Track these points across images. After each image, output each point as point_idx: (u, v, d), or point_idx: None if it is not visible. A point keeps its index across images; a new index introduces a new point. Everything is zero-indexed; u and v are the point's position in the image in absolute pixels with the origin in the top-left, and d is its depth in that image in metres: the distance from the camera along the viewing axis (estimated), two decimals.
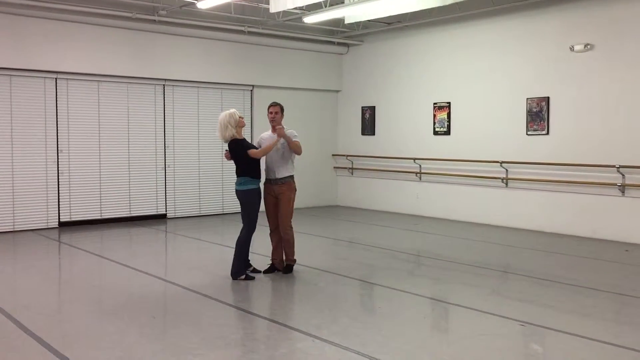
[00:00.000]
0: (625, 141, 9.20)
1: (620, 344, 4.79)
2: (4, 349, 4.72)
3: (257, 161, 6.86)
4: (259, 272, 7.06)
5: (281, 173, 6.98)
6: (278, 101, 7.19)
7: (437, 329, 5.48)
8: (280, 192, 6.98)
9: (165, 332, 5.14)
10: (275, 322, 5.39)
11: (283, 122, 7.09)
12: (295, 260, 7.22)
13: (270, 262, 7.24)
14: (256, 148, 6.93)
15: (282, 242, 7.10)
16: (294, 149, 6.97)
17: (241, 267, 6.81)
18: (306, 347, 4.71)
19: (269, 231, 7.20)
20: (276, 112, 7.02)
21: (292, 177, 7.09)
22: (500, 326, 5.29)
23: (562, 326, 5.21)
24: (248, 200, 6.77)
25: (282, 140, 6.95)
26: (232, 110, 6.83)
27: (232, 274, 6.80)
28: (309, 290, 6.56)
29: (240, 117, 6.77)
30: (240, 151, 6.76)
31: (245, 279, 6.78)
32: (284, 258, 7.17)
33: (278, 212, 7.04)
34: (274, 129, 7.01)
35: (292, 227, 7.10)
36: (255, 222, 6.84)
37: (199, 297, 6.13)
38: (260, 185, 6.94)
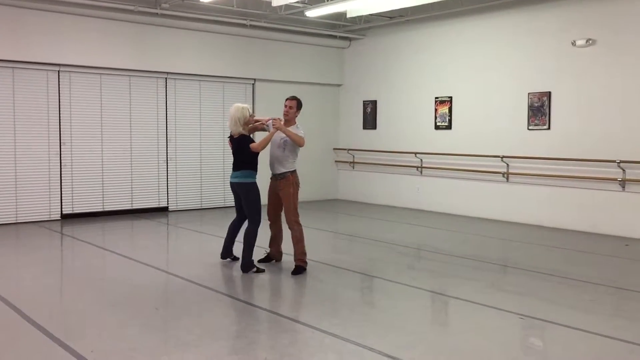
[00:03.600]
0: (626, 136, 9.22)
1: (619, 337, 4.83)
2: (8, 339, 4.77)
3: (258, 155, 6.89)
4: (237, 259, 7.08)
5: (279, 169, 6.91)
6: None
7: (437, 321, 5.52)
8: (280, 188, 6.91)
9: (167, 324, 5.18)
10: (276, 314, 5.43)
11: (297, 118, 7.03)
12: (306, 262, 6.88)
13: (266, 252, 7.30)
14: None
15: (291, 239, 6.92)
16: (293, 138, 6.72)
17: (251, 260, 6.83)
18: (306, 339, 4.76)
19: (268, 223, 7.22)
20: (291, 106, 6.91)
21: (292, 172, 6.92)
22: (500, 319, 5.34)
23: (561, 319, 5.25)
24: (254, 192, 6.83)
25: (283, 136, 6.84)
26: (245, 105, 6.83)
27: (242, 268, 6.80)
28: (310, 282, 6.59)
29: (250, 115, 6.81)
30: (246, 147, 6.78)
31: (257, 271, 6.79)
32: (294, 258, 6.92)
33: (278, 206, 7.06)
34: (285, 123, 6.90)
35: (299, 223, 6.89)
36: (261, 213, 6.90)
37: (200, 289, 6.17)
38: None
